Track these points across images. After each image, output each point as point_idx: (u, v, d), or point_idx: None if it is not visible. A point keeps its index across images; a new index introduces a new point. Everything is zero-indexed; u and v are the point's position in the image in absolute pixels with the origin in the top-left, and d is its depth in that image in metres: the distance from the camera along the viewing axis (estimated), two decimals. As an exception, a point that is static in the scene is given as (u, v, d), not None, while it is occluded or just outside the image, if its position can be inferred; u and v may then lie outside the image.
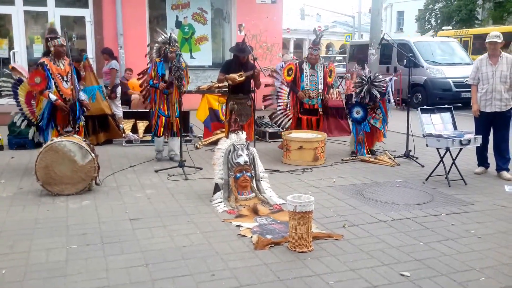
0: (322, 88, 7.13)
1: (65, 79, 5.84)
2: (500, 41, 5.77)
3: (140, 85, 7.15)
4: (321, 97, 7.13)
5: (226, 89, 7.16)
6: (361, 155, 6.99)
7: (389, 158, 6.78)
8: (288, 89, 7.24)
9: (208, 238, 3.90)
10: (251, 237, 3.88)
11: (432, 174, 5.80)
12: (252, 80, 6.55)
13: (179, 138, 6.71)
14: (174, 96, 6.62)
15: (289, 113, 7.30)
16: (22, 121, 6.18)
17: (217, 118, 8.20)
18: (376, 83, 6.93)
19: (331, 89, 8.09)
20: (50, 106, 5.81)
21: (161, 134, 6.77)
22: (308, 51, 7.35)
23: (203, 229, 4.09)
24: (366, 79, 6.97)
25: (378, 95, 6.90)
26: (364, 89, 6.92)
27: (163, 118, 6.66)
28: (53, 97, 5.72)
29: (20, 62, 10.98)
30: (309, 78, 7.09)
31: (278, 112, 7.40)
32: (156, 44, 6.85)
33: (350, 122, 7.16)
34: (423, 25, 31.19)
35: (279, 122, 7.51)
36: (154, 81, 6.56)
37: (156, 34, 6.95)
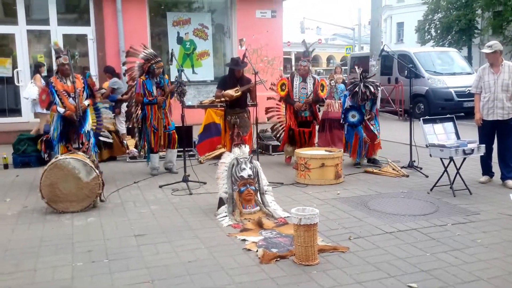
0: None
1: (72, 95, 5.98)
2: (490, 51, 5.77)
3: (127, 106, 6.94)
4: (311, 100, 7.21)
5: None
6: (359, 160, 7.11)
7: (393, 169, 6.77)
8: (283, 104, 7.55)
9: (213, 252, 3.89)
10: (257, 251, 3.87)
11: (436, 184, 5.79)
12: (248, 94, 6.69)
13: (175, 150, 6.80)
14: (162, 110, 6.66)
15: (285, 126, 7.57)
16: None
17: (219, 132, 8.19)
18: (368, 81, 6.95)
19: (325, 102, 8.32)
20: (60, 120, 5.96)
21: (157, 150, 6.86)
22: (298, 63, 7.47)
23: (208, 244, 4.09)
24: (359, 78, 6.95)
25: (373, 89, 6.86)
26: (361, 86, 6.86)
27: (156, 133, 6.71)
28: (61, 109, 5.94)
29: (24, 81, 11.09)
30: (300, 91, 7.23)
31: (278, 125, 7.77)
32: (137, 62, 6.75)
33: (345, 127, 7.14)
34: (423, 35, 31.31)
35: (278, 136, 7.87)
36: (149, 98, 6.56)
37: (134, 51, 6.78)
